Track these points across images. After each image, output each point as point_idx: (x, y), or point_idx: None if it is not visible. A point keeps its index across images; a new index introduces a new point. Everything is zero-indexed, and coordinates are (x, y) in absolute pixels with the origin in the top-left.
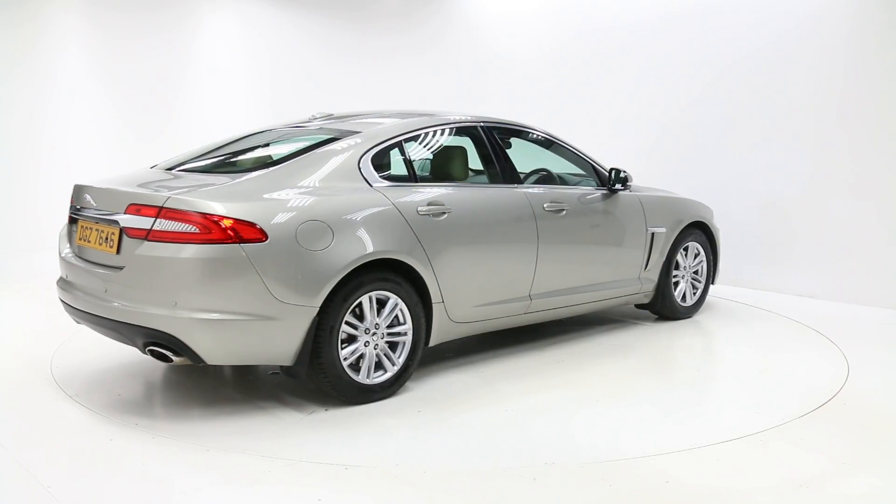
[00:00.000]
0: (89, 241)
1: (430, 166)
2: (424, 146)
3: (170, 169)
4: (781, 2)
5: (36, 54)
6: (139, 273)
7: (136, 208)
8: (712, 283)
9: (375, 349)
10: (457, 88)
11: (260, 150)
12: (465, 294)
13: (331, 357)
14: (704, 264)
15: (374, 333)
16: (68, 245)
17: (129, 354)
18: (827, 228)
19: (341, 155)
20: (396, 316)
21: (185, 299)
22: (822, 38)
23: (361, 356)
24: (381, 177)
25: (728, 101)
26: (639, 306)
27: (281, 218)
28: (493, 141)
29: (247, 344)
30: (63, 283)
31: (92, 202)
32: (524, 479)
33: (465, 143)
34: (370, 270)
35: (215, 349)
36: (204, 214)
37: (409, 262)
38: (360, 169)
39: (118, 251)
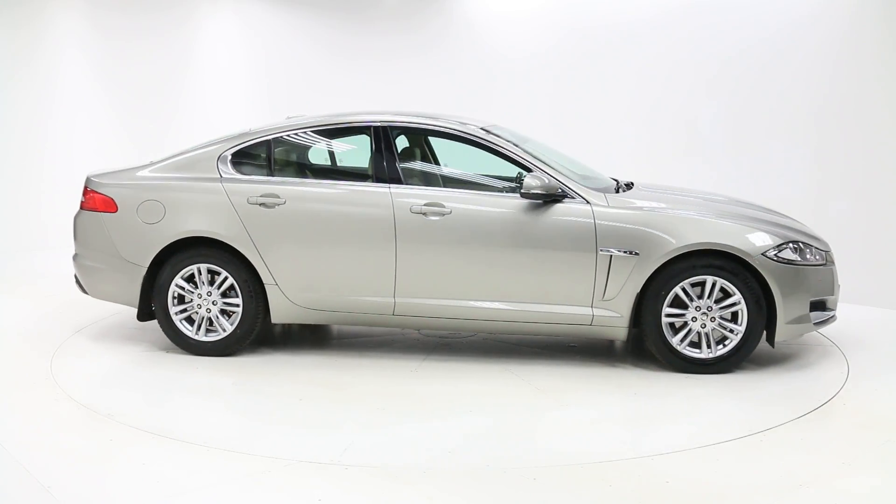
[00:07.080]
0: None
1: (292, 163)
2: (292, 145)
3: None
4: (780, 1)
5: (37, 55)
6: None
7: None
8: (777, 338)
9: (208, 313)
10: (457, 89)
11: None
12: (305, 281)
13: (160, 309)
14: (743, 309)
15: (205, 299)
16: None
17: (128, 355)
18: (827, 229)
19: (207, 151)
20: (233, 288)
21: (78, 248)
22: (821, 37)
23: (197, 315)
24: (238, 170)
25: (728, 100)
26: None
27: (130, 196)
28: (382, 141)
29: (110, 287)
30: None
31: None
32: (524, 479)
33: (352, 142)
34: (198, 246)
35: (92, 287)
36: (85, 189)
37: (232, 244)
38: (217, 163)
39: None
